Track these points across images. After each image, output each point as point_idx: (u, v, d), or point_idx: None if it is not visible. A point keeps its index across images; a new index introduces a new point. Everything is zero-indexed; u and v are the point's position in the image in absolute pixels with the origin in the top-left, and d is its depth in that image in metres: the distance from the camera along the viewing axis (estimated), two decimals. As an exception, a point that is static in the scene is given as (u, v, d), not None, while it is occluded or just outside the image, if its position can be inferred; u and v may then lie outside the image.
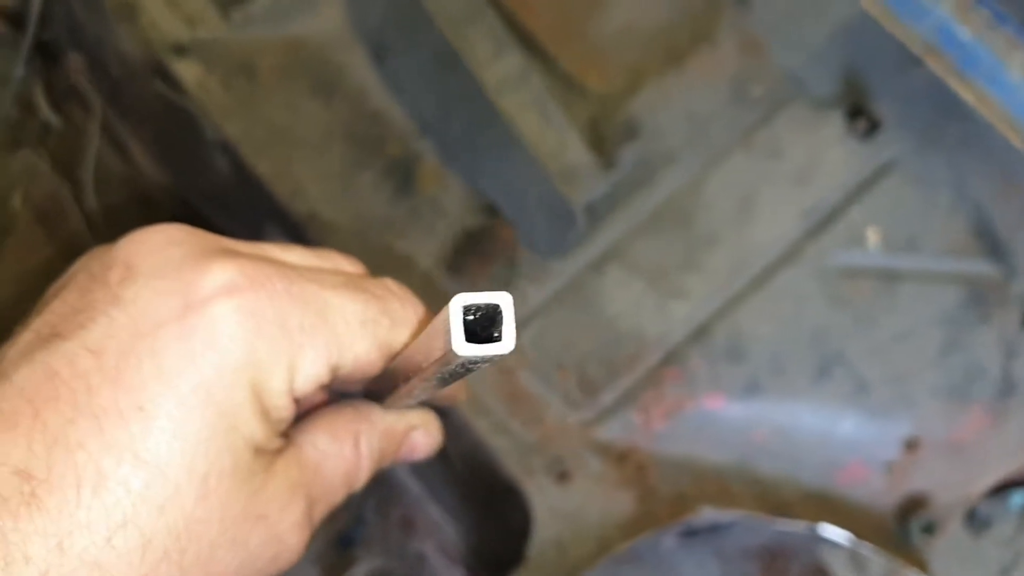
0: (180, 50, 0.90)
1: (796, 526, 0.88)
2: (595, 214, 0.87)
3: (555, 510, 0.82)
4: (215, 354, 0.45)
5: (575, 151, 0.84)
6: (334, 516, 1.17)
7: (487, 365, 0.38)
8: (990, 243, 0.88)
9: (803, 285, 0.86)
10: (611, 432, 0.85)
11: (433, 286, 0.88)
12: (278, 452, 0.52)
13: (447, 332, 0.34)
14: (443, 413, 0.70)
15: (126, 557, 0.42)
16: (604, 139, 0.88)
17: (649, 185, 0.87)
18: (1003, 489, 1.11)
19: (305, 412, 0.58)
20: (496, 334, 0.35)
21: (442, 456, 0.74)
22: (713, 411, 0.85)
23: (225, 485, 0.46)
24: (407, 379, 0.50)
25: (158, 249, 0.50)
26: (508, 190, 0.87)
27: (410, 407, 0.63)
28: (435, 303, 0.91)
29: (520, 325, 0.85)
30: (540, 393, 0.84)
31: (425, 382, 0.46)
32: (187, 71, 0.90)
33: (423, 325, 0.54)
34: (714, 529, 1.04)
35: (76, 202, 1.27)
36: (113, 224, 1.36)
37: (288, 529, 0.51)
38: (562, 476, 0.84)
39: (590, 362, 0.85)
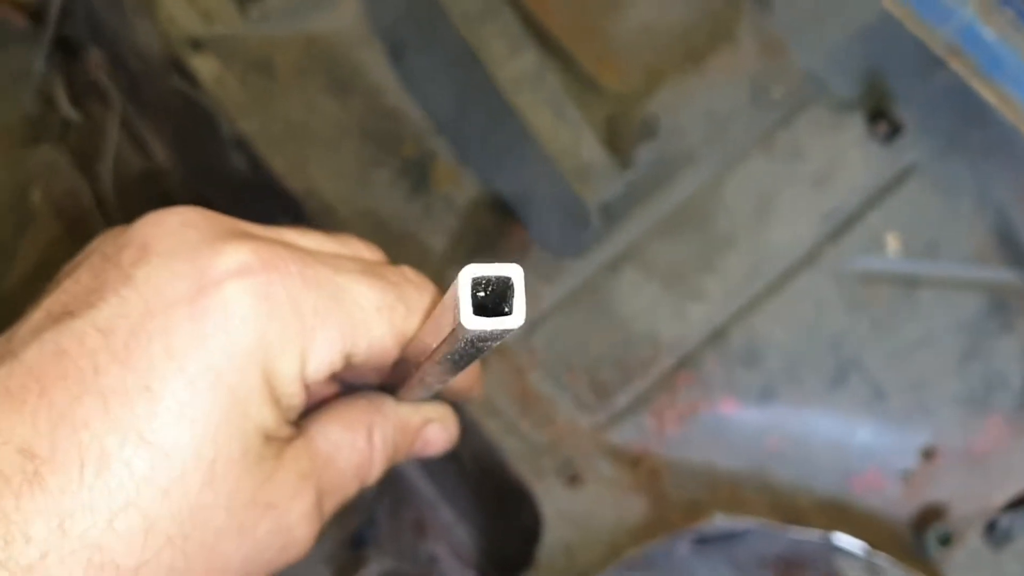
0: (197, 45, 0.90)
1: (810, 535, 0.87)
2: (611, 214, 0.86)
3: (565, 513, 0.81)
4: (226, 336, 0.44)
5: (590, 150, 0.84)
6: (346, 517, 1.17)
7: (497, 344, 0.37)
8: (1013, 250, 0.86)
9: (821, 290, 0.85)
10: (623, 436, 0.84)
11: (446, 284, 0.87)
12: (288, 440, 0.50)
13: (456, 307, 0.33)
14: (455, 411, 0.69)
15: (128, 540, 0.41)
16: (621, 138, 0.87)
17: (666, 186, 0.86)
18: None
19: (318, 403, 0.57)
20: (506, 309, 0.33)
21: (454, 457, 0.74)
22: (727, 416, 0.84)
23: (233, 471, 0.45)
24: (418, 364, 0.49)
25: (173, 231, 0.49)
26: (522, 189, 0.86)
27: (425, 400, 0.61)
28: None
29: (533, 325, 0.84)
30: (551, 395, 0.83)
31: (436, 366, 0.45)
32: (204, 66, 0.90)
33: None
34: (728, 537, 1.03)
35: (95, 197, 1.28)
36: (131, 219, 1.37)
37: (297, 520, 0.49)
38: (573, 479, 0.83)
39: (603, 364, 0.84)
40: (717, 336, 0.84)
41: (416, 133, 0.92)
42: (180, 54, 0.90)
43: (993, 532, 1.05)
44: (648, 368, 0.84)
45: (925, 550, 0.86)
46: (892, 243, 0.86)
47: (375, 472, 0.57)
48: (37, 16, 1.18)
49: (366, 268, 0.53)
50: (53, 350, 0.44)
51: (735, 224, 0.85)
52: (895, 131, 0.87)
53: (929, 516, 0.86)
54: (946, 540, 0.85)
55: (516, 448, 0.82)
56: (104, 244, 0.51)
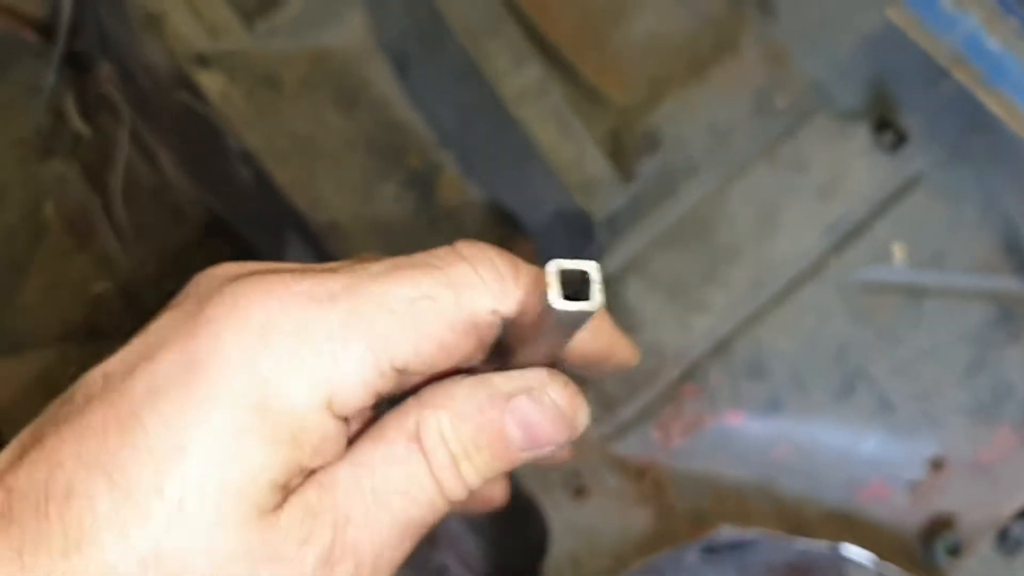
0: (203, 61, 0.91)
1: (818, 546, 0.87)
2: (615, 226, 0.86)
3: (571, 525, 0.82)
4: (209, 376, 0.40)
5: (594, 163, 0.84)
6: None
7: (576, 330, 0.44)
8: (1020, 259, 0.86)
9: (826, 300, 0.85)
10: (629, 448, 0.84)
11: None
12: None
13: (544, 294, 0.38)
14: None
15: None
16: (625, 151, 0.88)
17: (670, 197, 0.86)
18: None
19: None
20: (584, 296, 0.39)
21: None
22: (733, 427, 0.84)
23: (224, 526, 0.39)
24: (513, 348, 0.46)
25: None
26: (527, 202, 0.87)
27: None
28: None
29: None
30: (557, 407, 0.84)
31: (528, 351, 0.45)
32: (210, 82, 0.91)
33: (521, 282, 0.48)
34: (738, 546, 1.03)
35: (105, 212, 1.29)
36: (142, 234, 1.38)
37: (314, 568, 0.40)
38: (579, 491, 0.83)
39: (608, 376, 0.84)
40: (722, 348, 0.84)
41: (422, 146, 0.92)
42: (187, 69, 0.91)
43: (1005, 541, 1.04)
44: (653, 380, 0.84)
45: (934, 561, 0.85)
46: (898, 253, 0.86)
47: (447, 491, 0.43)
48: (47, 31, 1.20)
49: (396, 264, 0.45)
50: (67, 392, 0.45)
51: (739, 235, 0.85)
52: (900, 140, 0.86)
53: (937, 526, 0.86)
54: (955, 550, 0.85)
55: (522, 460, 0.82)
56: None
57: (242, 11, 0.93)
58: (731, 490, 0.84)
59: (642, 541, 0.82)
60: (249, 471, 0.40)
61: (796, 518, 0.85)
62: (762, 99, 0.88)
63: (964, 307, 0.85)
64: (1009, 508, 0.87)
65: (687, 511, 0.83)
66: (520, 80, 0.86)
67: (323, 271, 0.46)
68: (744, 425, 0.84)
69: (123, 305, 1.41)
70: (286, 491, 0.41)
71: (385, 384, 0.42)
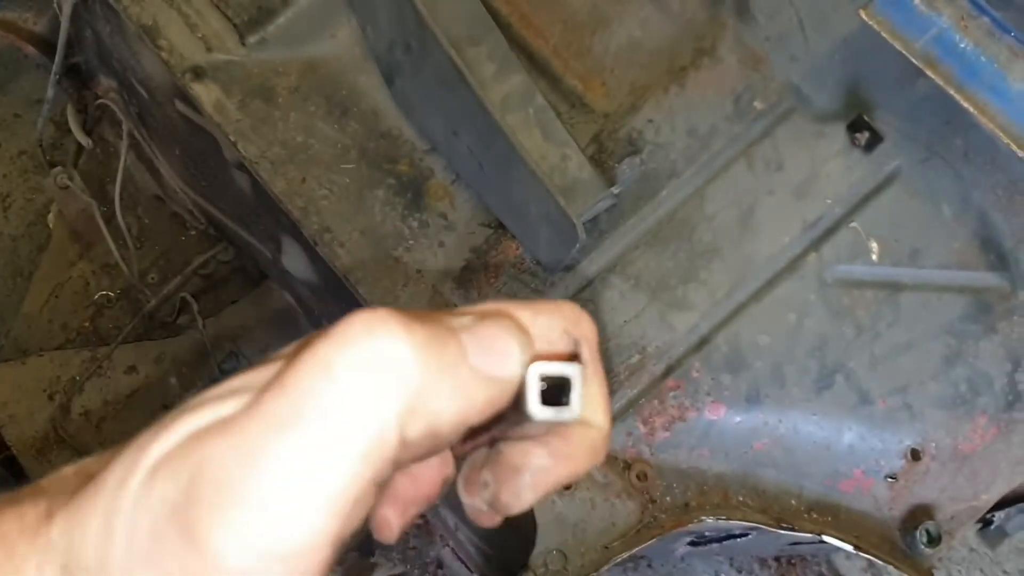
0: (198, 72, 0.94)
1: (805, 537, 0.89)
2: (598, 228, 0.88)
3: (558, 518, 0.84)
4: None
5: (577, 167, 0.86)
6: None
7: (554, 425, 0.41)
8: (995, 254, 0.88)
9: (805, 297, 0.87)
10: (614, 442, 0.86)
11: (441, 298, 0.90)
12: None
13: (524, 397, 0.37)
14: None
15: None
16: (607, 155, 0.90)
17: (652, 199, 0.88)
18: (1020, 500, 1.10)
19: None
20: (565, 400, 0.38)
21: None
22: (715, 421, 0.86)
23: None
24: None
25: None
26: (513, 205, 0.89)
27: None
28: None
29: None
30: (544, 404, 0.86)
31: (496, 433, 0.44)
32: (205, 93, 0.93)
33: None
34: (727, 537, 1.05)
35: (107, 220, 1.32)
36: (143, 241, 1.41)
37: None
38: (565, 485, 0.85)
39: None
40: (703, 343, 0.86)
41: (411, 153, 0.95)
42: (181, 81, 0.93)
43: (988, 530, 1.06)
44: (637, 376, 0.86)
45: (914, 550, 0.87)
46: (875, 250, 0.88)
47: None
48: (48, 46, 1.23)
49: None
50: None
51: (719, 235, 0.87)
52: (876, 140, 0.88)
53: (917, 516, 0.88)
54: (935, 540, 0.87)
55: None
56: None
57: (235, 24, 0.95)
58: (714, 482, 0.86)
59: (628, 532, 0.84)
60: None
61: (779, 509, 0.87)
62: (740, 102, 0.90)
63: (940, 301, 0.87)
64: (987, 498, 0.89)
65: (672, 503, 0.85)
66: (504, 88, 0.88)
67: None
68: (725, 418, 0.86)
69: (125, 311, 1.44)
70: None
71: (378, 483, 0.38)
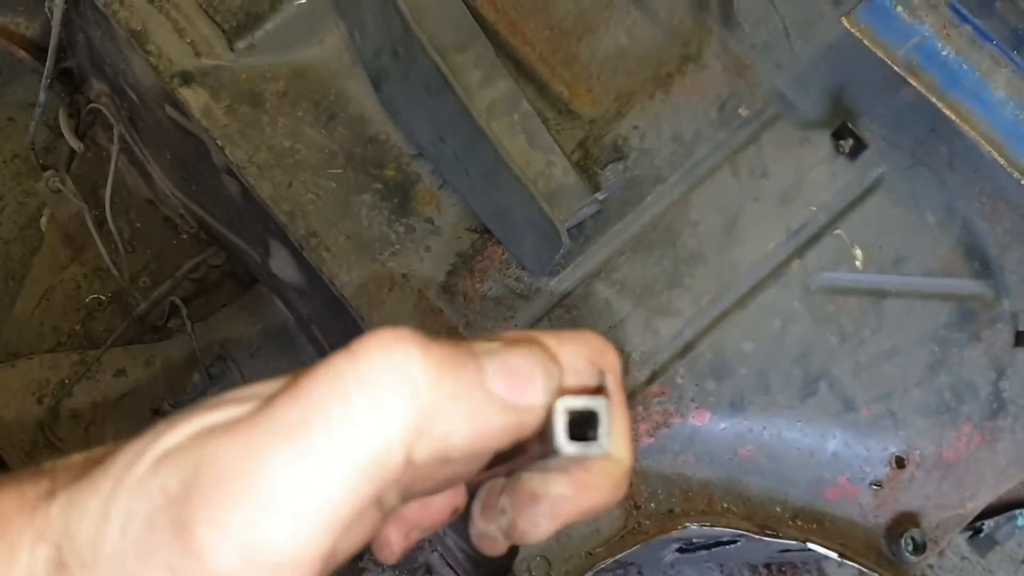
0: (186, 77, 0.94)
1: (793, 544, 0.88)
2: (583, 234, 0.88)
3: (542, 524, 0.83)
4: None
5: (563, 173, 0.86)
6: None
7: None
8: (979, 261, 0.88)
9: (789, 303, 0.87)
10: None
11: (427, 303, 0.90)
12: None
13: (551, 430, 0.37)
14: None
15: None
16: (593, 161, 0.90)
17: (636, 205, 0.89)
18: (1008, 509, 1.10)
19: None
20: (592, 434, 0.38)
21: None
22: (699, 427, 0.86)
23: None
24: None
25: None
26: (498, 211, 0.89)
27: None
28: (429, 320, 0.94)
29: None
30: (528, 409, 0.86)
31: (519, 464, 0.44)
32: (193, 98, 0.94)
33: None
34: (717, 543, 1.05)
35: (98, 224, 1.32)
36: (134, 245, 1.41)
37: None
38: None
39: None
40: (688, 350, 0.86)
41: (398, 158, 0.95)
42: (170, 86, 0.93)
43: (979, 538, 1.06)
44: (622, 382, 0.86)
45: (900, 557, 0.87)
46: (859, 257, 0.88)
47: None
48: (40, 50, 1.23)
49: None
50: None
51: (704, 241, 0.88)
52: (860, 147, 0.89)
53: (903, 523, 0.88)
54: (920, 547, 0.87)
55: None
56: None
57: (223, 29, 0.96)
58: (699, 489, 0.86)
59: (612, 539, 0.84)
60: None
61: (764, 516, 0.87)
62: (725, 109, 0.90)
63: (924, 309, 0.88)
64: (973, 506, 0.89)
65: (657, 509, 0.85)
66: (490, 94, 0.88)
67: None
68: (710, 425, 0.86)
69: (116, 315, 1.44)
70: None
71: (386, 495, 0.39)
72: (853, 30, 0.83)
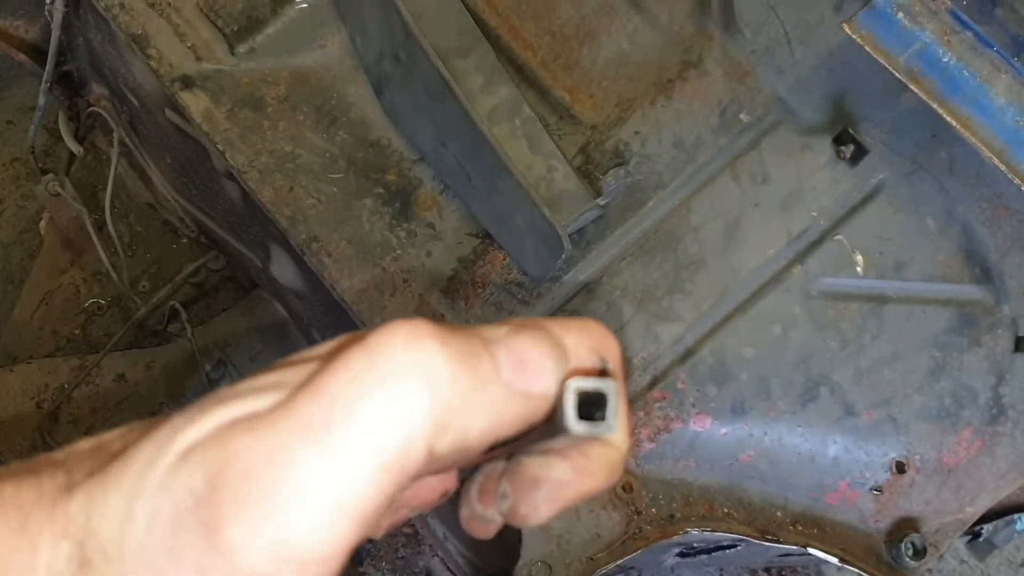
0: (187, 82, 0.94)
1: (793, 548, 0.89)
2: (584, 239, 0.89)
3: (543, 529, 0.84)
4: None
5: (564, 179, 0.86)
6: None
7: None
8: (980, 267, 0.88)
9: (789, 309, 0.87)
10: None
11: (428, 308, 0.90)
12: None
13: (559, 411, 0.38)
14: None
15: None
16: (594, 166, 0.90)
17: (637, 210, 0.89)
18: (1007, 513, 1.11)
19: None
20: (598, 415, 0.38)
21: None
22: (700, 432, 0.86)
23: None
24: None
25: None
26: (500, 216, 0.89)
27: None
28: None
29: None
30: (529, 414, 0.86)
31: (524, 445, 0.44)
32: (193, 102, 0.94)
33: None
34: (717, 547, 1.05)
35: (98, 228, 1.32)
36: (134, 249, 1.41)
37: None
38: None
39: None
40: (689, 355, 0.86)
41: (400, 163, 0.95)
42: (171, 90, 0.93)
43: (977, 542, 1.06)
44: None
45: (900, 562, 0.87)
46: (860, 262, 0.88)
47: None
48: (40, 54, 1.23)
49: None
50: None
51: (704, 247, 0.88)
52: (861, 153, 0.89)
53: (903, 528, 0.88)
54: (920, 552, 0.87)
55: (495, 467, 0.84)
56: None
57: (225, 33, 0.96)
58: (700, 494, 0.86)
59: (613, 544, 0.84)
60: None
61: (765, 521, 0.87)
62: (726, 114, 0.90)
63: (925, 314, 0.88)
64: (972, 510, 0.89)
65: (658, 515, 0.85)
66: (492, 99, 0.88)
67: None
68: (711, 430, 0.86)
69: (115, 319, 1.44)
70: None
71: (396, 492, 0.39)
72: (854, 36, 0.83)
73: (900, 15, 0.81)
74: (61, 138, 1.31)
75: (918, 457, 0.87)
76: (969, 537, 1.11)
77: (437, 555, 1.24)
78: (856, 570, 0.89)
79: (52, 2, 1.06)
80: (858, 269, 0.88)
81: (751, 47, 0.91)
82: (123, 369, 1.29)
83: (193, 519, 0.33)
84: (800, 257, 0.88)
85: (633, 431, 0.86)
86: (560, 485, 0.41)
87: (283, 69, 0.97)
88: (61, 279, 1.35)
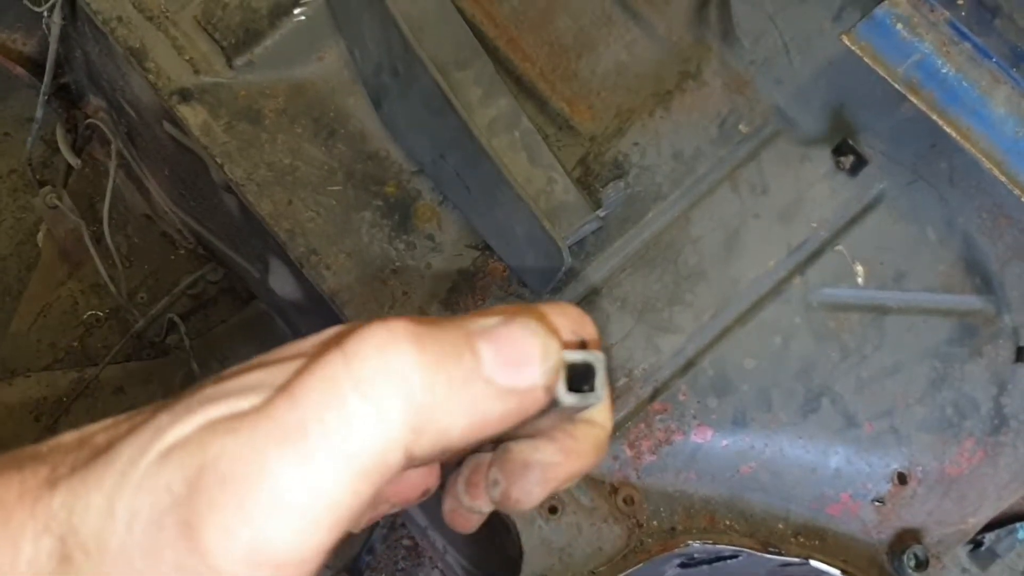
0: (185, 95, 0.94)
1: (789, 560, 0.88)
2: (584, 251, 0.88)
3: (545, 543, 0.83)
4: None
5: (563, 190, 0.86)
6: (346, 546, 1.18)
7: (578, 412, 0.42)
8: (980, 277, 0.88)
9: (790, 320, 0.87)
10: (600, 466, 0.86)
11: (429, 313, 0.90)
12: None
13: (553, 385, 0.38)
14: None
15: None
16: (593, 177, 0.90)
17: (637, 222, 0.89)
18: (1010, 522, 1.10)
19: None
20: (587, 387, 0.39)
21: (441, 486, 0.76)
22: (701, 444, 0.86)
23: None
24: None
25: None
26: (499, 228, 0.89)
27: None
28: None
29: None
30: (530, 427, 0.85)
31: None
32: (191, 115, 0.94)
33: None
34: (718, 558, 1.04)
35: (96, 240, 1.32)
36: (132, 261, 1.41)
37: None
38: (552, 509, 0.85)
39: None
40: (689, 366, 0.86)
41: (399, 175, 0.95)
42: (168, 103, 0.93)
43: (979, 551, 1.06)
44: (623, 399, 0.86)
45: (902, 574, 0.87)
46: (860, 273, 0.88)
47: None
48: (38, 66, 1.23)
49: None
50: None
51: (704, 258, 0.87)
52: (861, 164, 0.89)
53: (905, 540, 0.88)
54: (922, 563, 0.87)
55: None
56: None
57: (222, 46, 0.96)
58: (701, 506, 0.86)
59: (614, 557, 0.83)
60: None
61: (766, 533, 0.87)
62: (725, 125, 0.90)
63: (926, 325, 0.87)
64: (975, 521, 0.89)
65: (659, 527, 0.85)
66: (491, 111, 0.88)
67: None
68: (712, 442, 0.85)
69: (113, 331, 1.44)
70: None
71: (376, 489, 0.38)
72: (853, 47, 0.83)
73: (899, 26, 0.81)
74: (59, 150, 1.31)
75: (920, 468, 0.87)
76: (971, 546, 1.11)
77: (437, 567, 1.24)
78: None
79: (50, 15, 1.06)
80: (858, 280, 0.88)
81: (750, 57, 0.91)
82: (121, 382, 1.28)
83: (172, 520, 0.33)
84: (800, 268, 0.87)
85: (634, 442, 0.86)
86: (550, 467, 0.42)
87: (281, 82, 0.97)
88: (59, 291, 1.35)
